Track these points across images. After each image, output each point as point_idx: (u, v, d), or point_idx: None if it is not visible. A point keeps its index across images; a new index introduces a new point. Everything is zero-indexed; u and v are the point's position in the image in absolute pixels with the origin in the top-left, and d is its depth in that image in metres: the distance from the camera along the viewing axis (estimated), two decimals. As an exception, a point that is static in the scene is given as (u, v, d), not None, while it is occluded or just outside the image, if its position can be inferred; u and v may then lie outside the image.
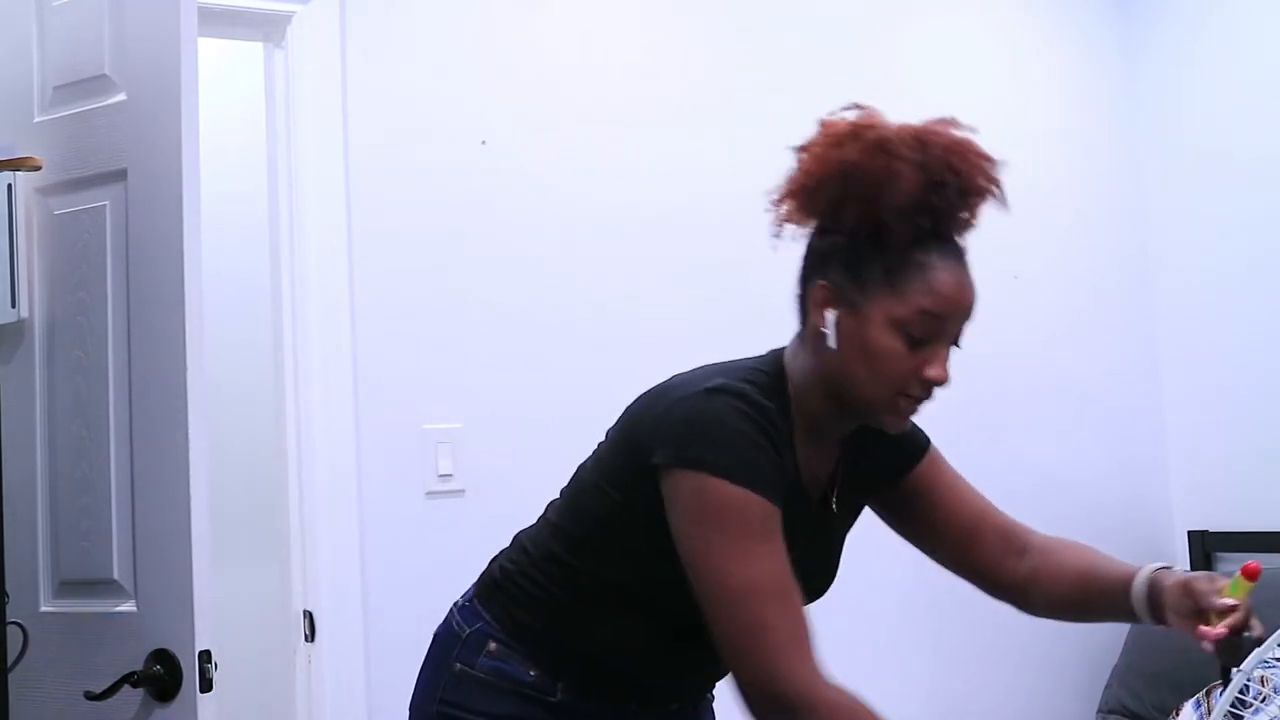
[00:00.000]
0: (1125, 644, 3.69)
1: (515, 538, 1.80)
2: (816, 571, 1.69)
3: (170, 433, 2.00)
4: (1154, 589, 1.65)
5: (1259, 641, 1.60)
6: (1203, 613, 1.57)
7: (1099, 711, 3.63)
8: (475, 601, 1.75)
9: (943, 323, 1.55)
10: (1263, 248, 3.86)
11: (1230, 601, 1.56)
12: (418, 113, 2.93)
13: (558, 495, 1.78)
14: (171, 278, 2.01)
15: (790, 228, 1.62)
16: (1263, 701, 2.90)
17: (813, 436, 1.63)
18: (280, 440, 2.79)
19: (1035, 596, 1.78)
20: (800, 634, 1.49)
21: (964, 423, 3.65)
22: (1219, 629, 1.54)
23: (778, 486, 1.52)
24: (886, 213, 1.52)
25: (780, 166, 1.63)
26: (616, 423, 1.71)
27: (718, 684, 1.79)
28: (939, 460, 1.81)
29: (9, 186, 2.18)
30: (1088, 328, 3.95)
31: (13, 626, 2.05)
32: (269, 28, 2.80)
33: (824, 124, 1.62)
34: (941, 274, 1.54)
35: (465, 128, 2.97)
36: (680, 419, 1.55)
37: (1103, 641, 3.77)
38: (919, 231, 1.53)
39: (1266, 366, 3.84)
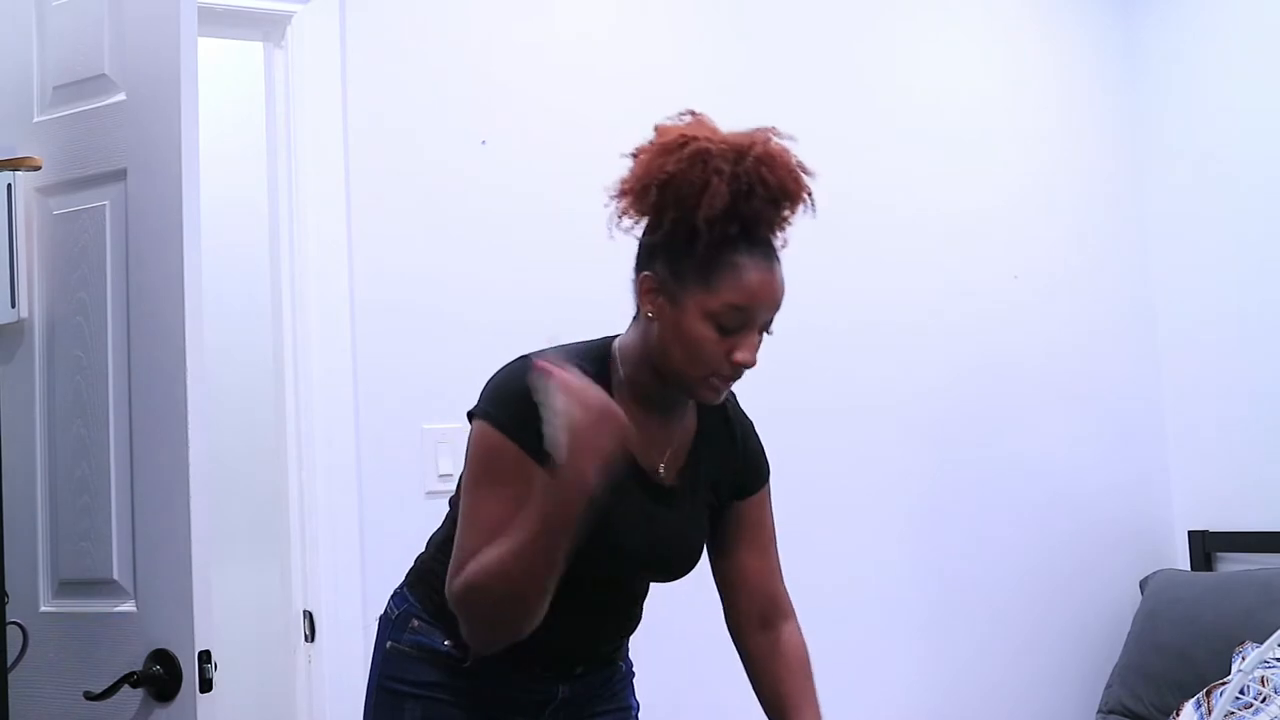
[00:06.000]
0: (1126, 644, 3.69)
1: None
2: (651, 536, 1.82)
3: (170, 432, 2.00)
4: None
5: None
6: None
7: (1099, 711, 3.63)
8: (404, 588, 1.95)
9: (750, 314, 1.72)
10: (1263, 248, 3.85)
11: None
12: (418, 113, 2.93)
13: None
14: (171, 277, 2.01)
15: (625, 221, 1.79)
16: (1263, 701, 2.90)
17: (643, 406, 1.81)
18: (280, 440, 2.79)
19: (749, 671, 1.97)
20: None
21: (965, 424, 3.66)
22: None
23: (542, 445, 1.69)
24: (699, 220, 1.69)
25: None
26: None
27: (621, 649, 1.98)
28: (765, 500, 1.98)
29: (9, 186, 2.18)
30: (1088, 327, 3.95)
31: (12, 626, 2.05)
32: (269, 27, 2.80)
33: (657, 129, 1.79)
34: (750, 273, 1.70)
35: (465, 128, 2.97)
36: (493, 381, 1.80)
37: (1103, 641, 3.77)
38: (728, 236, 1.70)
39: (1267, 367, 3.84)
